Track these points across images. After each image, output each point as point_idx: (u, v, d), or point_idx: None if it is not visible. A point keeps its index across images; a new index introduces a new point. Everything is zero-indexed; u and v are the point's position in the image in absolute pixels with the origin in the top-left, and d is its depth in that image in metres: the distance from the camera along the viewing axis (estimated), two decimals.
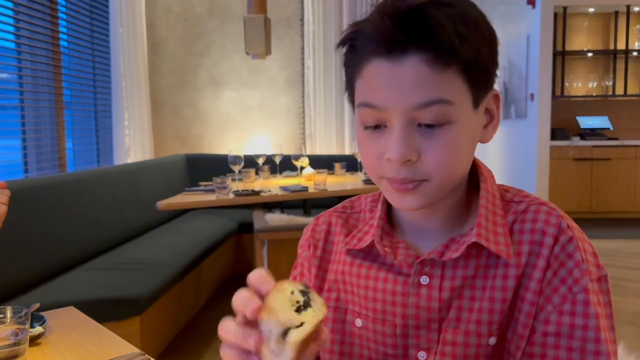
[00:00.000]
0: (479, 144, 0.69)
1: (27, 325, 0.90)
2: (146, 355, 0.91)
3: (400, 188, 0.63)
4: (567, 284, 0.63)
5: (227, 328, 0.50)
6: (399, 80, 0.59)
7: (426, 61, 0.58)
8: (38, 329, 1.00)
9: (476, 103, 0.63)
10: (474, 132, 0.65)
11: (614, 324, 0.65)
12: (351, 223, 0.78)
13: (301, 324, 0.49)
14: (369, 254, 0.73)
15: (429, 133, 0.61)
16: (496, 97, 0.67)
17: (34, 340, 1.00)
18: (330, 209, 0.81)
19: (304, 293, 0.51)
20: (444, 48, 0.58)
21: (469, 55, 0.59)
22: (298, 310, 0.50)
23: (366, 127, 0.64)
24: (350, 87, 0.68)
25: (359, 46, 0.62)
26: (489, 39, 0.62)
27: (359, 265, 0.73)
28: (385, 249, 0.70)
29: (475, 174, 0.72)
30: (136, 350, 0.94)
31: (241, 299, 0.50)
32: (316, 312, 0.50)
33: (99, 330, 1.06)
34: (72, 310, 1.17)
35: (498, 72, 0.66)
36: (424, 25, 0.58)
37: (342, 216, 0.79)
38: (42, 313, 1.08)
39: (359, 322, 0.72)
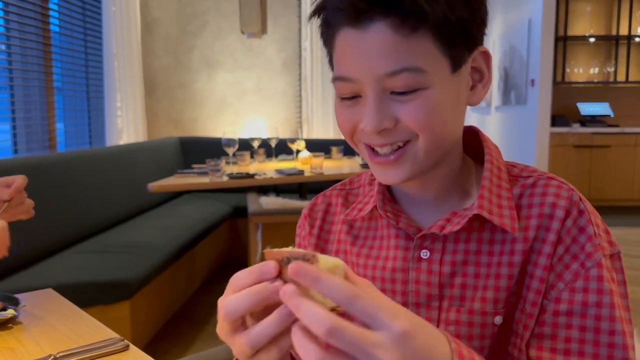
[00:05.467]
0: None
1: None
2: (125, 340, 0.84)
3: (382, 161, 0.61)
4: (580, 260, 0.60)
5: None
6: (366, 49, 0.57)
7: (392, 27, 0.56)
8: (10, 312, 0.94)
9: (456, 66, 0.60)
10: (455, 96, 0.61)
11: (629, 304, 0.61)
12: (350, 200, 0.76)
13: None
14: (368, 229, 0.71)
15: (403, 99, 0.58)
16: (485, 54, 0.63)
17: (5, 324, 0.94)
18: (331, 187, 0.79)
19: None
20: (409, 11, 0.55)
21: (439, 16, 0.55)
22: None
23: (343, 99, 0.62)
24: (330, 61, 0.65)
25: (328, 18, 0.61)
26: None
27: (360, 246, 0.71)
28: (388, 214, 0.67)
29: (481, 149, 0.69)
30: (115, 335, 0.87)
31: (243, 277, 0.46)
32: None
33: (78, 314, 0.99)
34: (50, 293, 1.09)
35: (487, 31, 0.63)
36: None
37: (341, 194, 0.77)
38: (16, 295, 1.01)
39: None
